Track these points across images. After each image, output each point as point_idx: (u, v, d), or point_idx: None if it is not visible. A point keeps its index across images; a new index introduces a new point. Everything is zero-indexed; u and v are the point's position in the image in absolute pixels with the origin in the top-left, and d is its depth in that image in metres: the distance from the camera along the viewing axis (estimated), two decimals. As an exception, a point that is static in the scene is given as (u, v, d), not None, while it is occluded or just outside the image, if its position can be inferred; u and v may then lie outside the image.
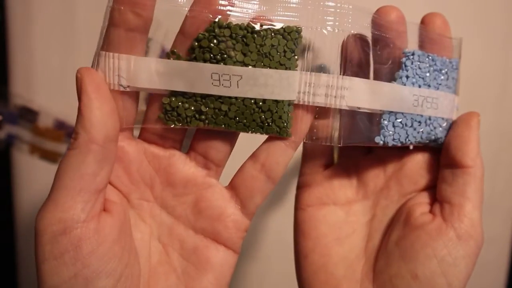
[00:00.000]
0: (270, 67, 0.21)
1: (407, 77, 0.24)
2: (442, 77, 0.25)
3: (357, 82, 0.23)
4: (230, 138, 0.23)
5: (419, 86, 0.24)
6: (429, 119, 0.25)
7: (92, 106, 0.20)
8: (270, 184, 0.23)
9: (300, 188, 0.29)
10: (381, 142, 0.24)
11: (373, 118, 0.24)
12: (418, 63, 0.24)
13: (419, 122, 0.25)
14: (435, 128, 0.25)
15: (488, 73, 0.53)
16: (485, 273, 0.56)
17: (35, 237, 0.19)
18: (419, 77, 0.24)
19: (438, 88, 0.25)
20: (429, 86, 0.25)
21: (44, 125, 0.47)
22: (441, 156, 0.26)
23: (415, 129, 0.25)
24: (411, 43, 0.25)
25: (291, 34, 0.21)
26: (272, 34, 0.21)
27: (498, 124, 0.54)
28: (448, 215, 0.24)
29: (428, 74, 0.25)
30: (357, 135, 0.24)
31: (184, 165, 0.23)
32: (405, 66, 0.24)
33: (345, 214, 0.28)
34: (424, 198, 0.26)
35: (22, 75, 0.47)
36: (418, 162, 0.27)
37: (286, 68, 0.22)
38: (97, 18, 0.47)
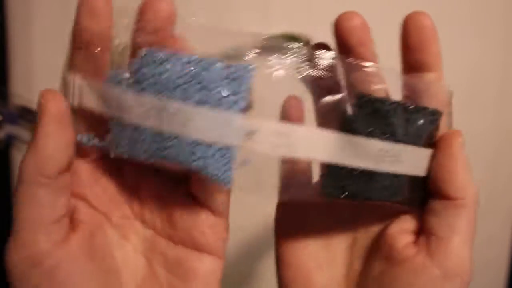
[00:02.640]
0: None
1: (138, 82, 0.20)
2: (197, 87, 0.19)
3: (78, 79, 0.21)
4: None
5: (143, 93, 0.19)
6: (170, 138, 0.19)
7: (48, 138, 0.19)
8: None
9: (279, 213, 0.28)
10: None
11: None
12: (150, 64, 0.20)
13: (156, 140, 0.20)
14: (181, 151, 0.20)
15: (487, 72, 0.53)
16: (485, 273, 0.56)
17: (7, 273, 0.19)
18: (156, 83, 0.19)
19: (191, 99, 0.19)
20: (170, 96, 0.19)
21: (44, 125, 0.47)
22: (429, 184, 0.23)
23: (149, 145, 0.20)
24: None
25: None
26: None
27: (497, 124, 0.54)
28: (434, 250, 0.22)
29: (168, 78, 0.19)
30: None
31: (154, 182, 0.23)
32: (135, 66, 0.20)
33: (324, 239, 0.26)
34: (406, 223, 0.24)
35: (22, 75, 0.47)
36: None
37: None
38: (97, 18, 0.47)
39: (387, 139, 0.21)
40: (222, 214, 0.23)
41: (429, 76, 0.23)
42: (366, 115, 0.21)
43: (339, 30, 0.21)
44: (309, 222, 0.27)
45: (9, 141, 0.47)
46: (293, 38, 0.45)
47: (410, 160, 0.22)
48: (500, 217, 0.55)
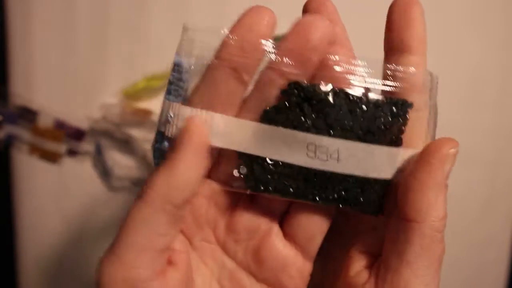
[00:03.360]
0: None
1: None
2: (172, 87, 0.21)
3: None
4: None
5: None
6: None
7: (186, 167, 0.18)
8: (327, 219, 0.21)
9: None
10: None
11: None
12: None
13: None
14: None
15: (487, 72, 0.53)
16: (485, 273, 0.56)
17: (97, 285, 0.19)
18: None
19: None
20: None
21: (44, 125, 0.47)
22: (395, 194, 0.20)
23: None
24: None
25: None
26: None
27: (497, 123, 0.54)
28: (381, 281, 0.19)
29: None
30: None
31: (248, 211, 0.21)
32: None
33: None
34: (369, 245, 0.21)
35: (22, 75, 0.47)
36: None
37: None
38: (97, 18, 0.47)
39: (318, 133, 0.19)
40: (312, 258, 0.22)
41: (409, 59, 0.20)
42: (295, 105, 0.19)
43: (305, 11, 0.20)
44: None
45: (9, 141, 0.47)
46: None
47: (354, 159, 0.19)
48: (500, 217, 0.55)
